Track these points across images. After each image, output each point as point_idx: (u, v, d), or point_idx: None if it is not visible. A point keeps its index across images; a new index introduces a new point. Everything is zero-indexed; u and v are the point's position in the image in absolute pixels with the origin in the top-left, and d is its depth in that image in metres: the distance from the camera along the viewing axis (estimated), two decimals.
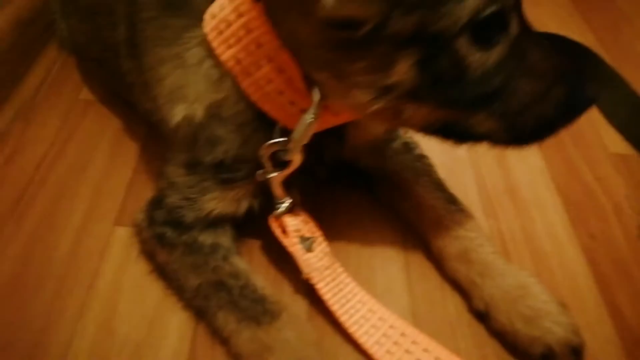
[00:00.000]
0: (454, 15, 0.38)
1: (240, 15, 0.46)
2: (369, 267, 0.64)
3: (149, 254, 0.61)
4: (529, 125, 0.47)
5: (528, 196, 0.76)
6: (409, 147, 0.70)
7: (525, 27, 0.45)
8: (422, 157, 0.70)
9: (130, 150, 0.73)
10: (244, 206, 0.58)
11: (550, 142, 0.83)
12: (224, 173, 0.55)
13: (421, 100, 0.44)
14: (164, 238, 0.58)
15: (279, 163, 0.54)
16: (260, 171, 0.54)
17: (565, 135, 0.86)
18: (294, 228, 0.57)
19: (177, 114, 0.53)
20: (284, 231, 0.58)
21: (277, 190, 0.56)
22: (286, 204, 0.57)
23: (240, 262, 0.58)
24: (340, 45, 0.41)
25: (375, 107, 0.44)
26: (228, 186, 0.56)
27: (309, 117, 0.48)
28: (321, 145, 0.54)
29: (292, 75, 0.47)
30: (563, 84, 0.46)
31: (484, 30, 0.40)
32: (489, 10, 0.39)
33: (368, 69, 0.42)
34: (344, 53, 0.41)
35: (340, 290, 0.58)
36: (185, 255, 0.57)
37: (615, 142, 0.87)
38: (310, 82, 0.47)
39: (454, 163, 0.80)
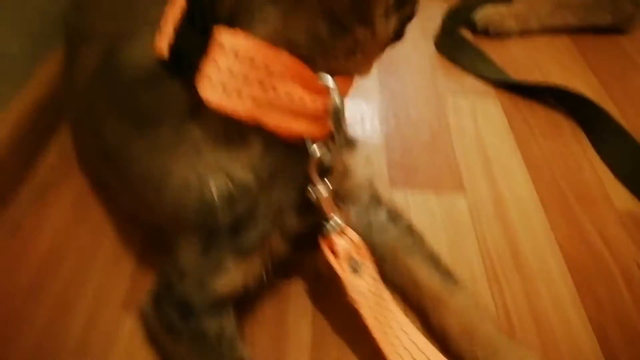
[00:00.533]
0: None
1: (237, 55, 0.46)
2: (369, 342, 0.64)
3: (154, 341, 0.62)
4: None
5: (533, 263, 0.75)
6: (394, 219, 0.69)
7: None
8: (410, 230, 0.69)
9: (135, 235, 0.75)
10: (252, 280, 0.59)
11: (555, 200, 0.85)
12: (242, 234, 0.54)
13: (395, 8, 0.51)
14: (171, 325, 0.58)
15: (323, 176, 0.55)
16: (310, 189, 0.55)
17: (569, 193, 0.87)
18: (344, 249, 0.57)
19: (215, 190, 0.52)
20: (333, 252, 0.57)
21: (327, 205, 0.56)
22: (336, 221, 0.57)
23: (243, 349, 0.58)
24: None
25: (386, 30, 0.52)
26: (243, 256, 0.56)
27: (337, 98, 0.50)
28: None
29: (303, 76, 0.48)
30: None
31: None
32: None
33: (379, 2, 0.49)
34: None
35: (385, 317, 0.57)
36: (192, 342, 0.57)
37: (622, 198, 0.86)
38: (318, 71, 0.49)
39: (456, 228, 0.80)
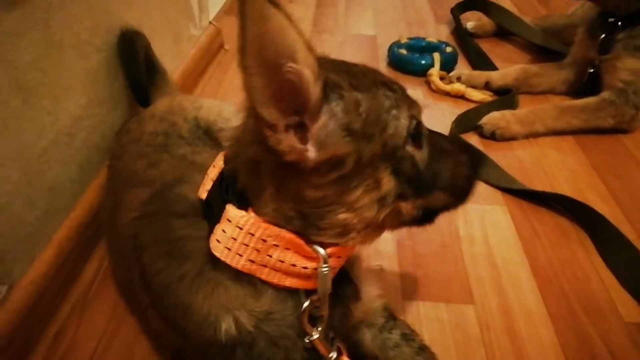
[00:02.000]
0: (399, 133, 0.57)
1: (241, 228, 0.56)
2: None
3: None
4: (461, 185, 0.66)
5: None
6: (407, 338, 0.75)
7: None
8: (422, 349, 0.74)
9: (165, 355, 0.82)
10: None
11: (562, 313, 0.88)
12: None
13: (406, 197, 0.59)
14: None
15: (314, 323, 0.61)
16: (306, 339, 0.61)
17: (576, 304, 0.90)
18: None
19: (220, 328, 0.59)
20: None
21: (322, 348, 0.62)
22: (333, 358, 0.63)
23: None
24: (340, 182, 0.54)
25: (383, 215, 0.58)
26: None
27: (324, 270, 0.58)
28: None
29: (298, 247, 0.57)
30: (463, 152, 0.67)
31: (414, 136, 0.59)
32: (414, 123, 0.58)
33: (366, 191, 0.56)
34: (345, 187, 0.55)
35: None
36: None
37: (629, 308, 0.89)
38: (313, 245, 0.58)
39: (467, 342, 0.83)
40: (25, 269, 0.83)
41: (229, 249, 0.57)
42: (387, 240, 1.03)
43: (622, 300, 0.91)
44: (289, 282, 0.59)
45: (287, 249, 0.57)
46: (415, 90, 1.59)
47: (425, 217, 0.64)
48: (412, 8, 2.20)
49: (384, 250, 1.01)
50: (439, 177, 0.63)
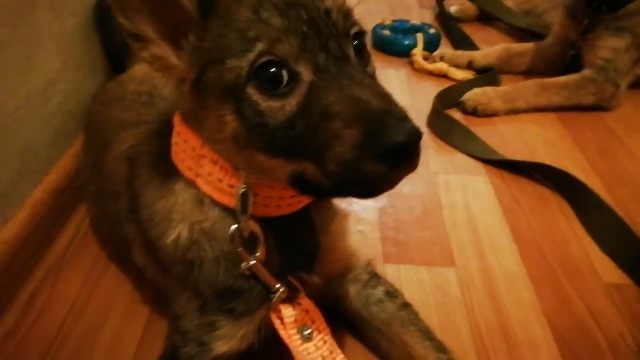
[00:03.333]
0: (237, 67, 0.49)
1: (179, 134, 0.60)
2: None
3: None
4: (335, 170, 0.47)
5: (520, 334, 0.78)
6: (391, 295, 0.74)
7: (337, 70, 0.49)
8: (406, 306, 0.73)
9: (143, 306, 0.81)
10: (246, 342, 0.63)
11: (542, 273, 0.88)
12: (227, 302, 0.61)
13: (263, 150, 0.51)
14: None
15: (251, 247, 0.59)
16: (244, 263, 0.59)
17: (557, 266, 0.90)
18: (291, 319, 0.61)
19: (170, 235, 0.61)
20: (282, 322, 0.61)
21: (266, 277, 0.60)
22: (279, 292, 0.60)
23: None
24: (195, 101, 0.55)
25: (240, 157, 0.55)
26: (234, 319, 0.61)
27: (240, 188, 0.57)
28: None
29: (222, 163, 0.57)
30: (358, 124, 0.45)
31: (262, 78, 0.48)
32: (262, 61, 0.48)
33: (217, 124, 0.53)
34: (202, 114, 0.54)
35: None
36: None
37: (608, 270, 0.90)
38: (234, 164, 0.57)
39: (447, 302, 0.83)
40: None
41: (177, 154, 0.61)
42: (369, 207, 1.03)
43: (602, 263, 0.91)
44: (222, 197, 0.59)
45: (214, 161, 0.58)
46: (398, 71, 1.59)
47: (303, 186, 0.53)
48: None
49: (366, 217, 1.00)
50: (308, 145, 0.48)
